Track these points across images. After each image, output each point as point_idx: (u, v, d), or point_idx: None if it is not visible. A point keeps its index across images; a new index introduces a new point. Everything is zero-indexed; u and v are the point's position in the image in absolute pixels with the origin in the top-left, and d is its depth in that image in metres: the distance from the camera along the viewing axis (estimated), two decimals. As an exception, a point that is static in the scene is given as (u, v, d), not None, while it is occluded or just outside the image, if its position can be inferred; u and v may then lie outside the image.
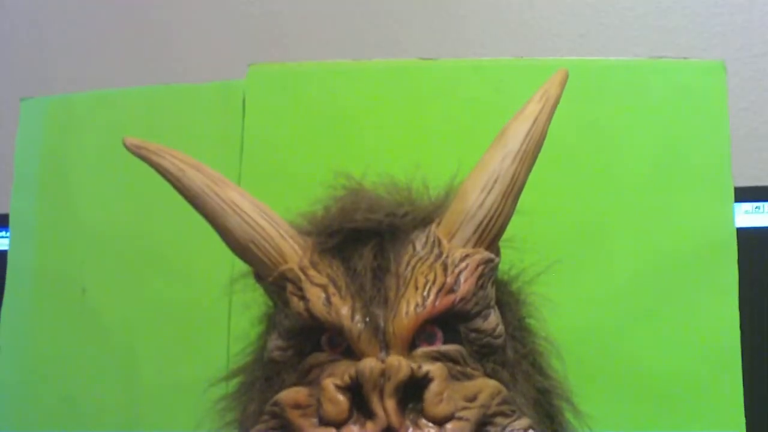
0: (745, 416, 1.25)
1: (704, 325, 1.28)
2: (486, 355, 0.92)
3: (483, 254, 0.93)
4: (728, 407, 1.26)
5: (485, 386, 0.88)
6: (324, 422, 0.83)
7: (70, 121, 1.55)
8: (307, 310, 0.90)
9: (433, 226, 0.96)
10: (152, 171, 0.98)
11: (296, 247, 0.95)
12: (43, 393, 1.49)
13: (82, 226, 1.52)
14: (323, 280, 0.91)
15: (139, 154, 0.98)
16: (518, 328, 1.00)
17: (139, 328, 1.45)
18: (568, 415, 1.01)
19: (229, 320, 1.38)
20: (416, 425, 0.83)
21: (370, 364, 0.83)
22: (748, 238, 1.40)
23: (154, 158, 0.98)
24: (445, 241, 0.94)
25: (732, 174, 1.32)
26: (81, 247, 1.51)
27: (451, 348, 0.90)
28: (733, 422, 1.25)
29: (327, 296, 0.90)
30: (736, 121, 1.35)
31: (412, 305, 0.88)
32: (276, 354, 0.94)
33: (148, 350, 1.45)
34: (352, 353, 0.88)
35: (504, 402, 0.88)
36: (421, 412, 0.83)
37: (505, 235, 0.97)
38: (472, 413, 0.84)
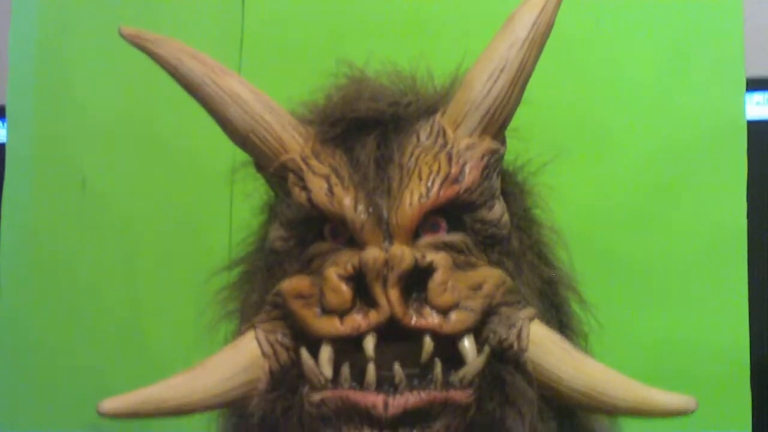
0: (749, 304, 1.25)
1: (711, 215, 1.28)
2: (491, 245, 0.91)
3: (488, 144, 0.92)
4: (732, 297, 1.26)
5: (490, 276, 0.87)
6: (326, 312, 0.83)
7: (65, 11, 1.52)
8: (309, 200, 0.89)
9: (438, 115, 0.94)
10: (151, 60, 0.95)
11: (297, 136, 0.93)
12: (45, 284, 1.50)
13: (80, 117, 1.50)
14: (325, 170, 0.90)
15: (135, 43, 0.96)
16: (523, 219, 0.99)
17: (140, 217, 1.45)
18: (574, 305, 1.01)
19: (231, 210, 1.37)
20: (420, 314, 0.83)
21: (373, 254, 0.82)
22: (759, 129, 1.38)
23: (151, 47, 0.95)
24: (450, 131, 0.92)
25: (744, 63, 1.29)
26: (80, 138, 1.50)
27: (455, 238, 0.89)
28: (736, 309, 1.26)
29: (329, 186, 0.89)
30: (750, 8, 1.32)
31: (416, 195, 0.87)
32: (278, 244, 0.93)
33: (150, 240, 1.45)
34: (354, 243, 0.87)
35: (509, 292, 0.87)
36: (425, 302, 0.83)
37: (511, 125, 0.95)
38: (476, 303, 0.84)
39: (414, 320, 0.82)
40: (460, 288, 0.84)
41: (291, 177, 0.91)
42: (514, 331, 0.85)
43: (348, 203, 0.87)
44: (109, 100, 1.49)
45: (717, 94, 1.29)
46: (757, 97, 1.47)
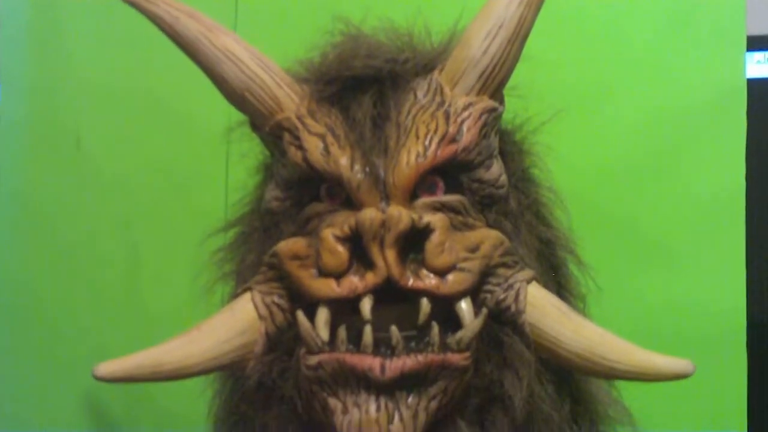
0: (747, 266, 1.25)
1: (710, 175, 1.27)
2: (488, 205, 0.90)
3: (487, 102, 0.91)
4: (730, 258, 1.25)
5: (487, 237, 0.86)
6: (323, 273, 0.83)
7: (58, -31, 1.50)
8: (305, 159, 0.88)
9: (436, 73, 0.93)
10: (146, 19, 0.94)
11: (293, 95, 0.92)
12: (39, 245, 1.49)
13: (75, 76, 1.48)
14: (321, 129, 0.89)
15: (130, 1, 0.95)
16: (522, 179, 0.98)
17: (136, 177, 1.44)
18: (572, 267, 1.01)
19: (227, 170, 1.37)
20: (417, 276, 0.82)
21: (370, 215, 0.81)
22: (760, 88, 1.36)
23: (146, 5, 0.94)
24: (447, 89, 0.91)
25: (745, 22, 1.28)
26: (75, 98, 1.48)
27: (452, 198, 0.88)
28: (734, 271, 1.26)
29: (325, 145, 0.87)
30: (753, -36, 1.30)
31: (413, 155, 0.86)
32: (274, 204, 0.92)
33: (145, 201, 1.44)
34: (351, 204, 0.86)
35: (507, 253, 0.87)
36: (422, 263, 0.83)
37: (510, 83, 0.94)
38: (474, 264, 0.84)
39: (411, 282, 0.82)
40: (458, 249, 0.84)
41: (286, 136, 0.90)
42: (512, 292, 0.85)
43: (344, 163, 0.86)
44: (104, 58, 1.48)
45: (717, 52, 1.28)
46: (758, 55, 1.46)
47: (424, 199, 0.87)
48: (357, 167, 0.86)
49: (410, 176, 0.85)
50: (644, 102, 1.29)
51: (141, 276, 1.45)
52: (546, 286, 0.89)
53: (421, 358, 0.80)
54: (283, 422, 0.88)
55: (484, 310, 0.84)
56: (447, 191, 0.89)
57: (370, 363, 0.80)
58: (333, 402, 0.81)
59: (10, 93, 1.52)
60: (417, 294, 0.82)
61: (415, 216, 0.83)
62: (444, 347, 0.81)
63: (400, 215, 0.81)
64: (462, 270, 0.83)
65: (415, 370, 0.80)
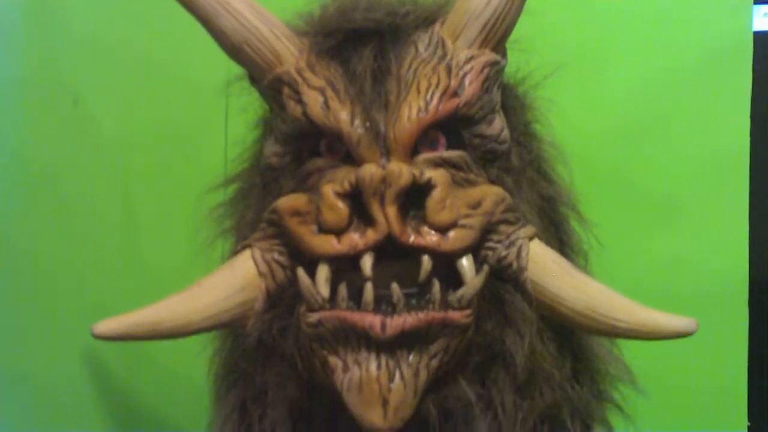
0: (749, 225, 1.25)
1: (714, 130, 1.26)
2: (490, 161, 0.89)
3: (489, 56, 0.89)
4: (733, 217, 1.25)
5: (489, 193, 0.86)
6: (323, 229, 0.82)
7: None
8: (305, 114, 0.87)
9: (437, 26, 0.91)
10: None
11: (292, 48, 0.91)
12: (38, 205, 1.48)
13: (72, 32, 1.46)
14: (321, 83, 0.87)
15: (125, -46, 0.93)
16: (524, 134, 0.97)
17: (135, 134, 1.43)
18: (574, 224, 1.00)
19: (226, 124, 1.35)
20: (418, 232, 0.81)
21: (370, 171, 0.80)
22: (766, 42, 1.35)
23: (141, -43, 0.92)
24: (449, 42, 0.90)
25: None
26: (72, 54, 1.46)
27: (454, 154, 0.87)
28: (736, 230, 1.25)
29: (325, 100, 0.86)
30: None
31: (415, 109, 0.85)
32: (273, 160, 0.91)
33: (144, 156, 1.43)
34: (351, 159, 0.85)
35: (508, 209, 0.86)
36: (423, 220, 0.82)
37: (512, 37, 0.92)
38: (475, 221, 0.83)
39: (412, 238, 0.81)
40: (459, 205, 0.83)
41: (286, 90, 0.89)
42: (514, 249, 0.84)
43: (344, 117, 0.85)
44: (101, 13, 1.46)
45: (724, 5, 1.26)
46: (764, 8, 1.44)
47: (426, 155, 0.86)
48: (357, 122, 0.85)
49: (411, 131, 0.84)
50: (649, 56, 1.27)
51: (140, 233, 1.44)
52: (548, 242, 0.88)
53: (422, 315, 0.80)
54: (283, 380, 0.88)
55: (486, 267, 0.83)
56: (448, 147, 0.88)
57: (371, 320, 0.79)
58: (333, 360, 0.81)
59: (6, 50, 1.50)
60: (418, 251, 0.81)
61: (416, 172, 0.82)
62: (445, 304, 0.81)
63: (401, 171, 0.80)
64: (463, 227, 0.82)
65: (415, 327, 0.79)
